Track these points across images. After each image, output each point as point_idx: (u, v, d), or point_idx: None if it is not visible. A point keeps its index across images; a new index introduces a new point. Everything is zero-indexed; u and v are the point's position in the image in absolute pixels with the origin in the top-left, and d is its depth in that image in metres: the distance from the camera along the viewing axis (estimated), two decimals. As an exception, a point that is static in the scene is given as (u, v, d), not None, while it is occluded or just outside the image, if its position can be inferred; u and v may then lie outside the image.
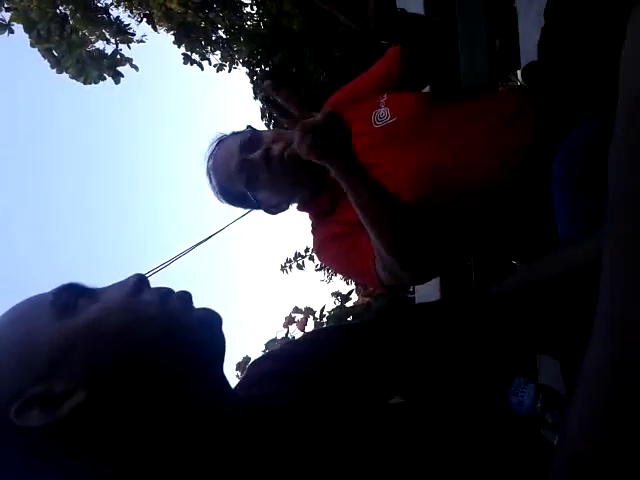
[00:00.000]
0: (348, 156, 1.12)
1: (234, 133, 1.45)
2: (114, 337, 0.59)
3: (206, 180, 1.45)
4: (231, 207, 1.49)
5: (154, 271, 3.90)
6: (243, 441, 0.61)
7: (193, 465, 0.59)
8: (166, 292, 0.64)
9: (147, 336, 0.60)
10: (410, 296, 3.32)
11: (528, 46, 1.54)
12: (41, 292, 0.64)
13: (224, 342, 0.65)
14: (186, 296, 0.65)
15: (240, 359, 3.28)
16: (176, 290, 0.65)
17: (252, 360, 0.80)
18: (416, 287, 2.12)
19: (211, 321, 0.64)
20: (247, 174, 1.35)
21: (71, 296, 0.62)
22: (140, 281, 0.64)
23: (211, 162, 1.43)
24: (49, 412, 0.55)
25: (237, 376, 3.13)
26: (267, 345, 2.99)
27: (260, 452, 0.59)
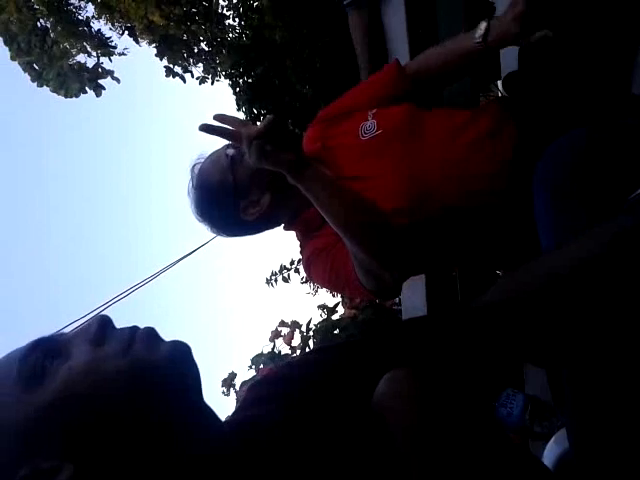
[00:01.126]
0: (298, 158, 1.15)
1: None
2: (86, 402, 0.57)
3: (188, 194, 1.43)
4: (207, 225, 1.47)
5: (136, 287, 3.87)
6: (231, 469, 0.59)
7: None
8: (129, 337, 0.62)
9: (118, 392, 0.58)
10: (396, 307, 3.31)
11: (508, 56, 1.55)
12: (7, 354, 0.62)
13: (197, 371, 0.63)
14: (150, 336, 0.63)
15: (226, 375, 3.24)
16: (141, 327, 0.63)
17: (246, 381, 0.79)
18: (402, 298, 2.12)
19: (179, 355, 0.62)
20: (233, 157, 1.35)
21: (37, 360, 0.60)
22: (101, 328, 0.62)
23: (196, 170, 1.42)
24: None
25: (223, 392, 3.10)
26: (253, 360, 2.96)
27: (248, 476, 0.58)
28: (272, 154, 1.11)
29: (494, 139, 1.28)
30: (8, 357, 0.62)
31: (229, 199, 1.37)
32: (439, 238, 1.33)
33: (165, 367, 0.61)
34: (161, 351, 0.62)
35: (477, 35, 1.32)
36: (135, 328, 0.64)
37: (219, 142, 1.40)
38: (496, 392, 1.29)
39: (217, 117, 1.15)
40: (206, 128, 1.14)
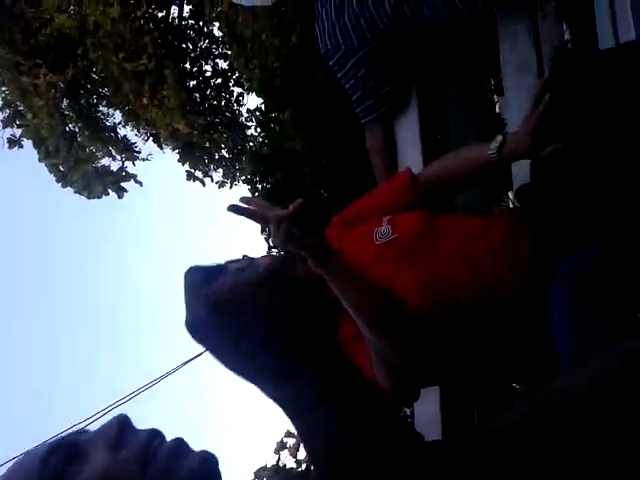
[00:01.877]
0: (323, 243, 1.15)
1: (229, 262, 1.46)
2: None
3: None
4: None
5: (135, 393, 3.79)
6: None
7: None
8: (147, 445, 0.60)
9: None
10: (407, 413, 3.20)
11: (520, 168, 1.59)
12: (29, 452, 0.62)
13: None
14: (175, 450, 0.61)
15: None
16: (163, 433, 0.61)
17: None
18: (415, 409, 2.05)
19: (205, 470, 0.60)
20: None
21: (57, 466, 0.60)
22: (120, 430, 0.61)
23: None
24: None
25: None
26: (256, 474, 2.82)
27: None
28: (298, 237, 1.12)
29: (510, 248, 1.29)
30: (29, 457, 0.62)
31: None
32: (455, 344, 1.31)
33: None
34: (184, 469, 0.60)
35: (492, 147, 1.36)
36: (155, 434, 0.62)
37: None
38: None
39: (244, 199, 1.17)
40: (234, 209, 1.16)
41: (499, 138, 1.36)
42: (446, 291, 1.29)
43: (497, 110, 3.56)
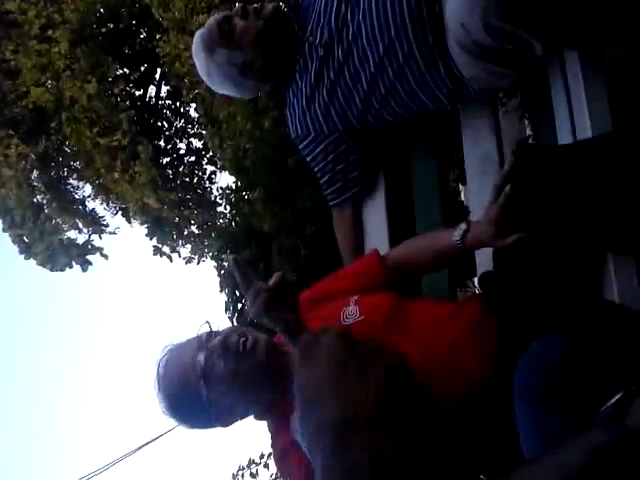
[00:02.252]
0: (297, 320, 1.17)
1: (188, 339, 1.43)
2: None
3: (154, 386, 1.39)
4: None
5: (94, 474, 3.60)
6: None
7: None
8: None
9: None
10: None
11: (483, 255, 1.61)
12: None
13: None
14: None
15: None
16: None
17: None
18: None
19: None
20: (203, 368, 1.31)
21: None
22: None
23: (162, 365, 1.39)
24: None
25: None
26: None
27: None
28: (275, 311, 1.14)
29: (477, 335, 1.30)
30: None
31: (199, 405, 1.35)
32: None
33: None
34: None
35: (456, 234, 1.40)
36: None
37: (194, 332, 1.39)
38: None
39: (232, 258, 1.20)
40: (236, 262, 1.19)
41: (463, 226, 1.40)
42: (417, 377, 1.27)
43: (462, 198, 3.67)
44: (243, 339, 1.31)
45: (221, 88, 2.00)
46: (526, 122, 3.75)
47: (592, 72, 1.53)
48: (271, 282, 1.17)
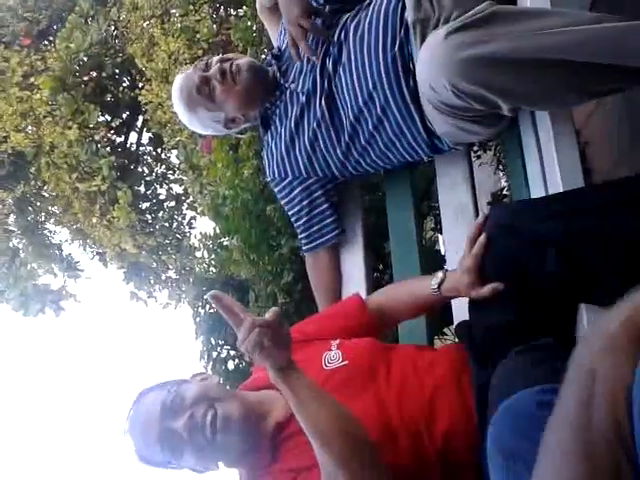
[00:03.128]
0: (289, 358, 1.15)
1: (157, 386, 1.41)
2: None
3: (125, 440, 1.37)
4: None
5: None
6: None
7: None
8: None
9: None
10: None
11: (459, 304, 1.63)
12: None
13: None
14: None
15: None
16: None
17: None
18: None
19: None
20: (169, 444, 1.29)
21: None
22: None
23: (128, 425, 1.37)
24: None
25: None
26: None
27: None
28: (268, 347, 1.10)
29: (457, 384, 1.30)
30: None
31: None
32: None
33: None
34: None
35: (433, 283, 1.42)
36: None
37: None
38: None
39: (216, 295, 1.15)
40: (215, 298, 1.15)
41: (439, 274, 1.42)
42: (393, 425, 1.27)
43: (439, 247, 3.71)
44: (211, 414, 1.28)
45: (204, 132, 2.08)
46: (500, 174, 3.84)
47: (562, 127, 1.58)
48: (268, 317, 1.13)
